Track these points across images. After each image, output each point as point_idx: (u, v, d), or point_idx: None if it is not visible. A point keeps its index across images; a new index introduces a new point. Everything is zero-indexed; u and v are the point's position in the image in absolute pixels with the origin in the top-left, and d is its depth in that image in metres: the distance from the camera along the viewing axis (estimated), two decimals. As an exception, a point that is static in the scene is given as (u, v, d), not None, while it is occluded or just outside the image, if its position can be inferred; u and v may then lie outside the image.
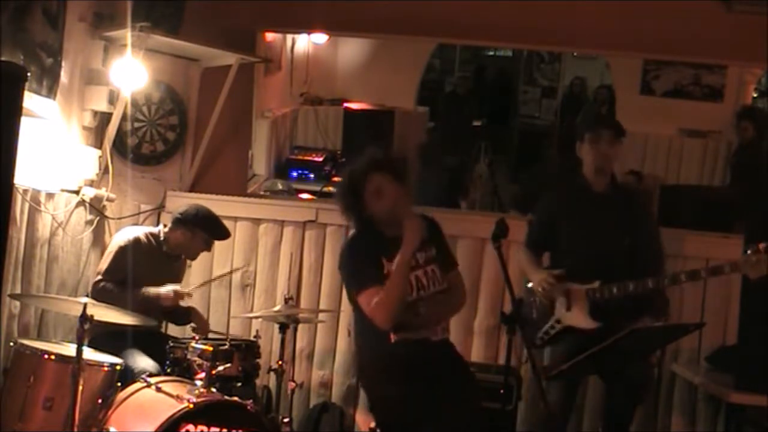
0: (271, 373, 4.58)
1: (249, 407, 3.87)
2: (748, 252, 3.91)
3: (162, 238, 4.67)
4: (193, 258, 4.81)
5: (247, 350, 4.33)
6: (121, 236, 4.64)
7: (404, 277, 3.55)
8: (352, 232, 3.93)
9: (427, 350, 3.66)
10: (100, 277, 4.49)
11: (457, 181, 7.41)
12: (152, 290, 4.46)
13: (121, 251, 4.53)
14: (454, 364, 3.79)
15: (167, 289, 4.49)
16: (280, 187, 6.80)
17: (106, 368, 3.97)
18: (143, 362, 4.27)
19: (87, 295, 3.93)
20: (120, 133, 5.06)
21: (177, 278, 4.77)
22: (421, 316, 3.65)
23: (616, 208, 4.34)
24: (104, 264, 4.55)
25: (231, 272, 5.16)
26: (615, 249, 4.27)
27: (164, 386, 3.98)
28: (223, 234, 4.74)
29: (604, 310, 4.20)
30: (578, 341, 4.14)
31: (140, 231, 4.70)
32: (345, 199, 3.72)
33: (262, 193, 6.23)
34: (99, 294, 4.34)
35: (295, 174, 7.63)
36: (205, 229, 4.64)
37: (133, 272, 4.49)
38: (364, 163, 3.71)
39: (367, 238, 3.70)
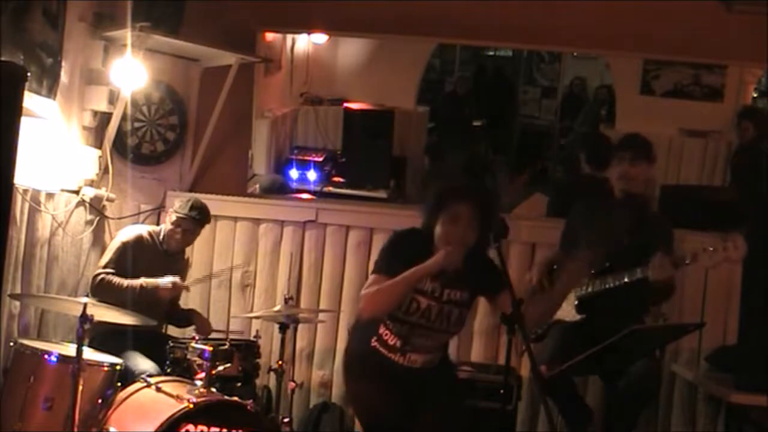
0: (271, 373, 4.58)
1: (249, 407, 3.87)
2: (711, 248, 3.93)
3: (162, 238, 4.68)
4: (187, 245, 4.80)
5: (247, 350, 4.33)
6: (124, 233, 4.67)
7: (406, 285, 3.46)
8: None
9: (398, 370, 3.61)
10: (99, 270, 4.50)
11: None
12: (150, 281, 4.48)
13: (123, 247, 4.56)
14: (430, 393, 3.64)
15: (166, 280, 4.51)
16: (273, 178, 6.79)
17: (106, 368, 3.96)
18: (144, 364, 4.27)
19: (87, 295, 3.93)
20: (120, 133, 5.06)
21: (176, 273, 4.76)
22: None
23: (621, 211, 4.36)
24: (105, 258, 4.58)
25: (230, 269, 5.15)
26: (617, 249, 4.28)
27: (164, 386, 3.98)
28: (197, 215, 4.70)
29: (597, 307, 4.23)
30: (565, 334, 4.24)
31: (143, 229, 4.72)
32: (426, 201, 3.64)
33: (255, 188, 6.23)
34: (98, 286, 4.37)
35: (295, 174, 7.63)
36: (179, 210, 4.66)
37: (134, 269, 4.50)
38: (463, 187, 3.61)
39: (420, 240, 3.59)
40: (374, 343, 3.64)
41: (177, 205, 4.68)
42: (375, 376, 3.64)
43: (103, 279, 4.44)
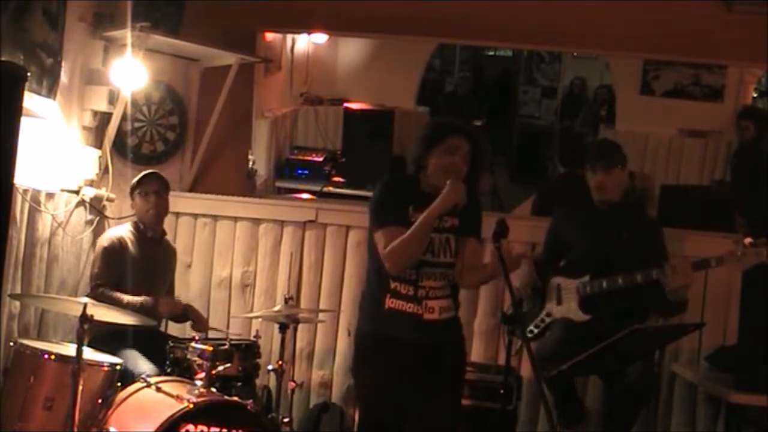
0: (271, 373, 4.58)
1: (249, 407, 3.87)
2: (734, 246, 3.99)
3: (142, 224, 4.67)
4: (165, 211, 4.77)
5: (247, 350, 4.33)
6: (103, 238, 4.64)
7: (428, 229, 3.51)
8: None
9: (418, 327, 3.60)
10: (96, 283, 4.49)
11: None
12: (150, 299, 4.47)
13: (105, 252, 4.54)
14: (444, 352, 3.66)
15: (163, 300, 4.52)
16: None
17: (106, 368, 3.96)
18: (143, 366, 4.26)
19: (87, 295, 3.93)
20: (120, 133, 5.07)
21: (166, 263, 4.79)
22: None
23: (613, 211, 4.35)
24: (94, 269, 4.56)
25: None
26: (612, 248, 4.28)
27: (164, 386, 3.98)
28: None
29: (600, 307, 4.22)
30: (568, 332, 4.24)
31: (123, 229, 4.68)
32: (420, 139, 3.74)
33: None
34: (97, 300, 4.35)
35: (295, 174, 7.63)
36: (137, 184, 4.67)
37: (123, 268, 4.51)
38: (458, 123, 3.73)
39: (406, 183, 3.69)
40: (388, 303, 3.62)
41: (133, 183, 4.67)
42: (391, 342, 3.60)
43: (102, 293, 4.41)
